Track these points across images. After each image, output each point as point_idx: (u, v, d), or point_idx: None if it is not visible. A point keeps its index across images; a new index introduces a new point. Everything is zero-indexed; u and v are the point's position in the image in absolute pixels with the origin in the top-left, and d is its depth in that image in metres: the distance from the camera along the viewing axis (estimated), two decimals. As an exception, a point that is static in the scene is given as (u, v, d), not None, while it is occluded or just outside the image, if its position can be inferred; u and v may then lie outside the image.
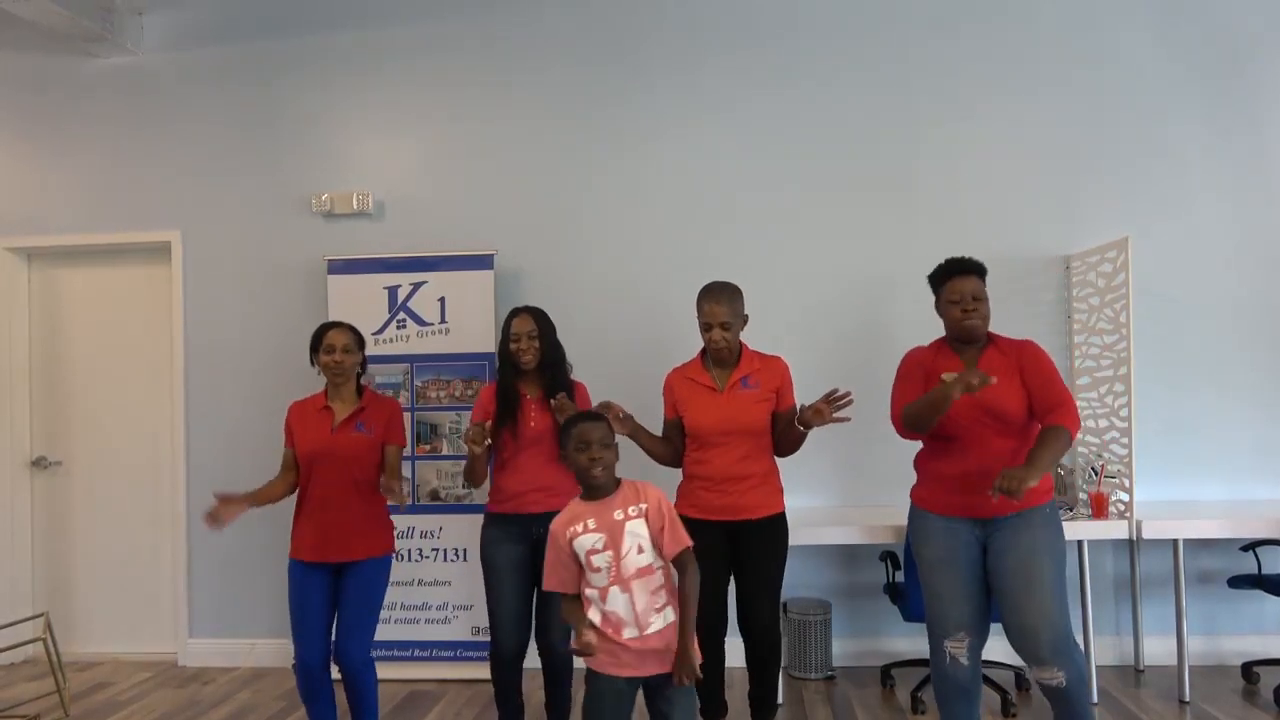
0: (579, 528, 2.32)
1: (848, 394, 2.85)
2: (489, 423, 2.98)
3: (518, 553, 3.04)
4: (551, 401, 2.97)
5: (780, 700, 3.59)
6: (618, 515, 2.32)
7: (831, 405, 2.85)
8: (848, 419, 2.89)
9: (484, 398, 3.13)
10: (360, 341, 3.15)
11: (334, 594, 3.05)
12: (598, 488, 2.35)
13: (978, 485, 2.64)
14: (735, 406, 2.98)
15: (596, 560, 2.30)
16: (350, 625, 3.00)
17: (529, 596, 3.08)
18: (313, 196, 4.41)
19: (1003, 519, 2.66)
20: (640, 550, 2.30)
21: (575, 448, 2.34)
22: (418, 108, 4.43)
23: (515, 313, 3.11)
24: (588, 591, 2.33)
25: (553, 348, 3.10)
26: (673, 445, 3.10)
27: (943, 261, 2.83)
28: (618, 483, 2.39)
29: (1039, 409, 2.65)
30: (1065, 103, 4.18)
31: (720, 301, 2.97)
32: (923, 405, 2.62)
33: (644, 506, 2.33)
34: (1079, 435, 4.03)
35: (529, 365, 3.05)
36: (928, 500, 2.79)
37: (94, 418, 4.63)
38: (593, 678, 2.35)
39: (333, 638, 3.05)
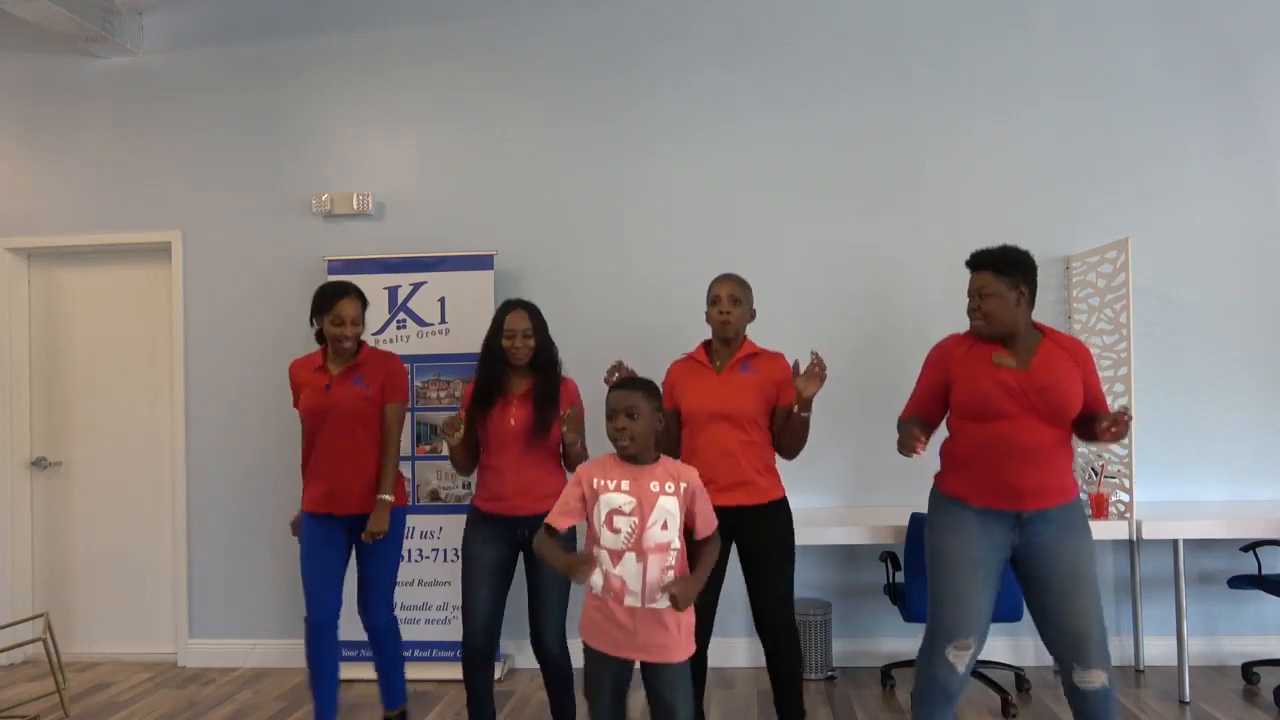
0: (610, 483, 2.30)
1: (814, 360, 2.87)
2: (461, 414, 2.91)
3: (498, 552, 2.98)
4: (562, 415, 2.92)
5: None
6: (653, 487, 2.29)
7: (809, 370, 2.86)
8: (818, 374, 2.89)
9: (467, 395, 3.08)
10: (365, 305, 3.15)
11: (347, 552, 3.06)
12: (629, 458, 2.32)
13: (1019, 471, 2.52)
14: (730, 388, 2.96)
15: (619, 521, 2.27)
16: (370, 586, 3.02)
17: (503, 597, 3.02)
18: (313, 197, 4.41)
19: (1040, 516, 2.53)
20: (665, 526, 2.28)
21: (607, 417, 2.32)
22: (418, 109, 4.43)
23: (510, 307, 3.03)
24: (596, 551, 2.30)
25: (545, 345, 3.04)
26: (669, 434, 3.04)
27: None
28: (658, 458, 2.36)
29: (1093, 412, 2.62)
30: (1065, 104, 4.18)
31: (730, 280, 3.04)
32: (902, 432, 2.61)
33: (683, 485, 2.31)
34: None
35: (520, 362, 3.00)
36: (962, 490, 2.63)
37: (94, 418, 4.63)
38: (587, 652, 2.35)
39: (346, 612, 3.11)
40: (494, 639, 3.02)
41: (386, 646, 3.07)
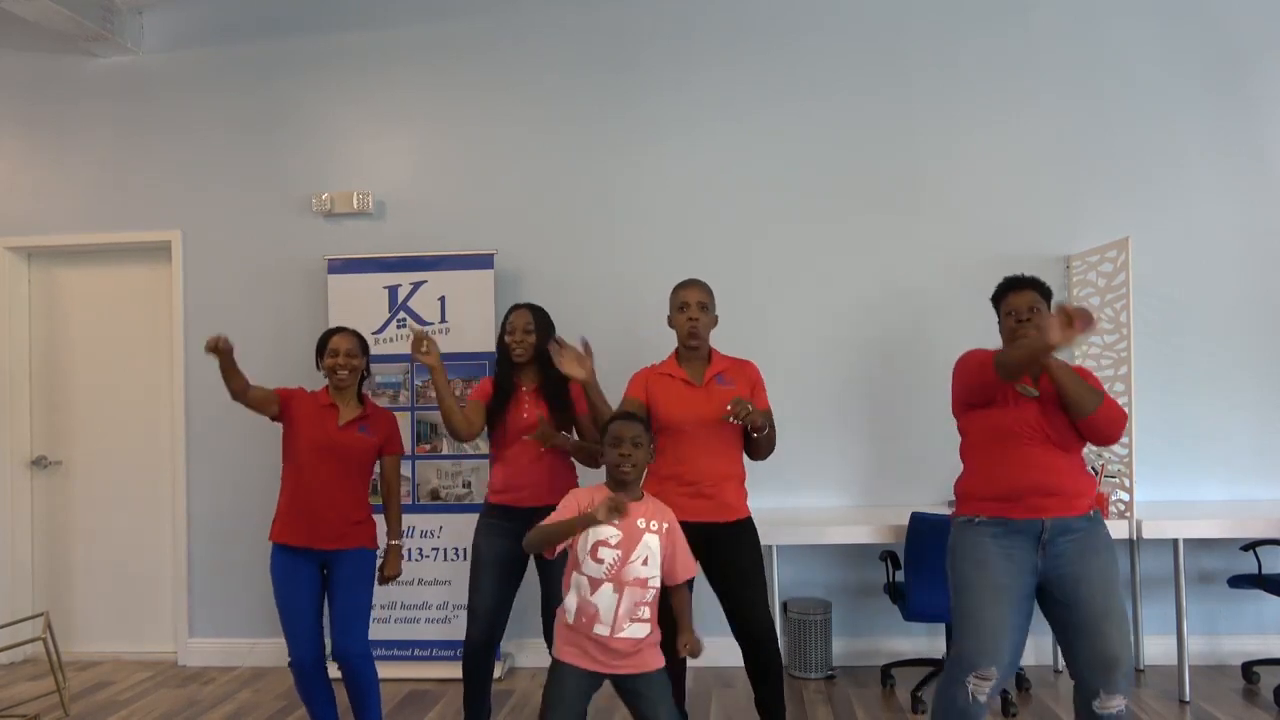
0: None
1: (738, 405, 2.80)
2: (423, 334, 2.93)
3: (505, 547, 3.03)
4: (552, 346, 2.92)
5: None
6: (640, 524, 2.38)
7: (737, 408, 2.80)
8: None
9: (484, 384, 3.17)
10: (364, 347, 3.18)
11: (321, 589, 3.07)
12: (626, 484, 2.41)
13: (1032, 489, 2.55)
14: (714, 401, 2.93)
15: (603, 552, 2.33)
16: (344, 618, 3.01)
17: (510, 591, 3.08)
18: (313, 196, 4.41)
19: (1061, 532, 2.53)
20: (645, 563, 2.36)
21: (609, 443, 2.42)
22: (418, 108, 4.43)
23: (515, 307, 3.15)
24: (575, 575, 2.37)
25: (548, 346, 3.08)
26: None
27: (1002, 280, 2.77)
28: (642, 495, 2.45)
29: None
30: (1066, 104, 4.19)
31: (697, 287, 3.01)
32: (1021, 354, 2.50)
33: (664, 526, 2.41)
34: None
35: (520, 359, 3.06)
36: (983, 507, 2.62)
37: (94, 418, 4.63)
38: (555, 664, 2.39)
39: (326, 639, 3.06)
40: (496, 633, 3.06)
41: (359, 676, 3.02)
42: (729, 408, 2.78)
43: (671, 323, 3.03)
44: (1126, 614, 2.50)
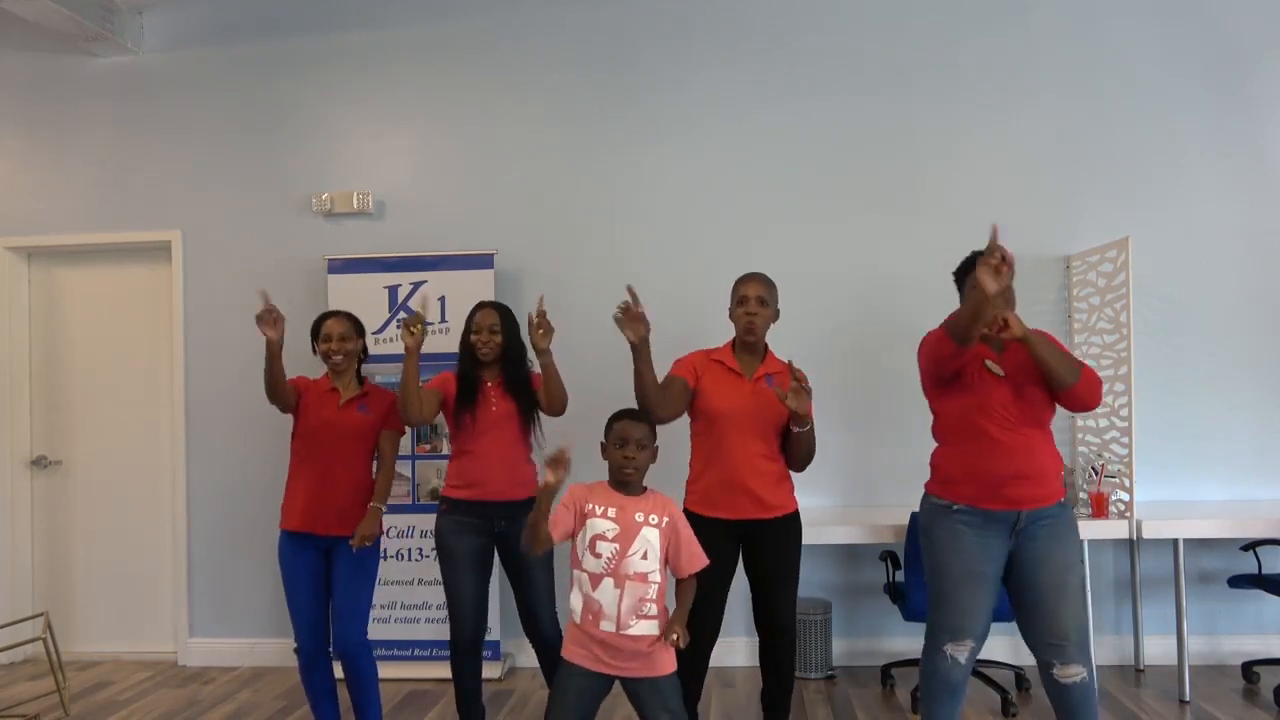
0: (598, 508, 2.37)
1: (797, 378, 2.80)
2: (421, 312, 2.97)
3: (476, 544, 3.04)
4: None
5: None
6: (638, 518, 2.37)
7: (794, 389, 2.79)
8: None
9: (445, 377, 3.12)
10: (359, 329, 3.20)
11: (326, 576, 3.08)
12: (627, 484, 2.41)
13: (1011, 479, 2.57)
14: (760, 397, 2.93)
15: (601, 546, 2.33)
16: (344, 607, 3.03)
17: (486, 586, 3.09)
18: (313, 196, 4.41)
19: (1034, 520, 2.58)
20: (645, 557, 2.35)
21: (613, 443, 2.41)
22: (418, 108, 4.43)
23: (480, 306, 3.14)
24: (576, 573, 2.37)
25: (513, 344, 3.11)
26: (664, 392, 2.89)
27: (969, 255, 2.78)
28: (645, 490, 2.45)
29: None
30: (1066, 103, 4.19)
31: (758, 281, 2.99)
32: (965, 312, 2.50)
33: (665, 520, 2.40)
34: (1079, 434, 4.03)
35: (486, 358, 3.07)
36: (960, 494, 2.64)
37: (94, 418, 4.63)
38: (563, 665, 2.39)
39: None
40: (481, 628, 3.07)
41: (358, 667, 3.03)
42: (790, 381, 2.76)
43: (731, 315, 3.02)
44: (1082, 596, 2.59)
